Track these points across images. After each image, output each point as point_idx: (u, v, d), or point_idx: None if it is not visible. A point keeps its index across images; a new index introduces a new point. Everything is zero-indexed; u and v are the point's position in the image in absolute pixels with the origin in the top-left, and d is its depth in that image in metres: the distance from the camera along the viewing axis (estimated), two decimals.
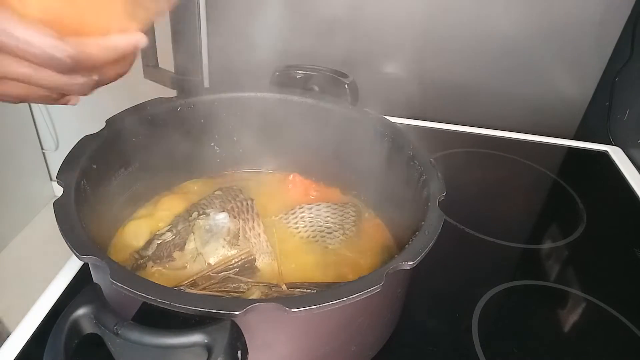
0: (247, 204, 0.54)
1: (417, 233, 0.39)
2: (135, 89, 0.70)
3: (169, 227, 0.51)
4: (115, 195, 0.51)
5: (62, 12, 0.30)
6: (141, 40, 0.34)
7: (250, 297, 0.42)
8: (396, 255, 0.37)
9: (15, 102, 0.32)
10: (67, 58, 0.29)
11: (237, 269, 0.47)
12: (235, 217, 0.51)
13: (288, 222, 0.54)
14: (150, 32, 0.67)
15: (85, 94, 0.34)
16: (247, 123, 0.58)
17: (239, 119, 0.58)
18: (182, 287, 0.44)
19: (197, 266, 0.47)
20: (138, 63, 0.54)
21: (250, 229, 0.51)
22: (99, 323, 0.31)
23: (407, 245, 0.38)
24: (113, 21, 0.32)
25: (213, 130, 0.59)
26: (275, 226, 0.54)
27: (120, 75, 0.35)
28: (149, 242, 0.49)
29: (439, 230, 0.39)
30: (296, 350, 0.39)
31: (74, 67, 0.30)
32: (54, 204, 0.39)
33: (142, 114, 0.52)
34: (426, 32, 0.88)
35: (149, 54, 0.78)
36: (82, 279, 0.51)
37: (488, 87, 0.92)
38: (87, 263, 0.36)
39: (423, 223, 0.40)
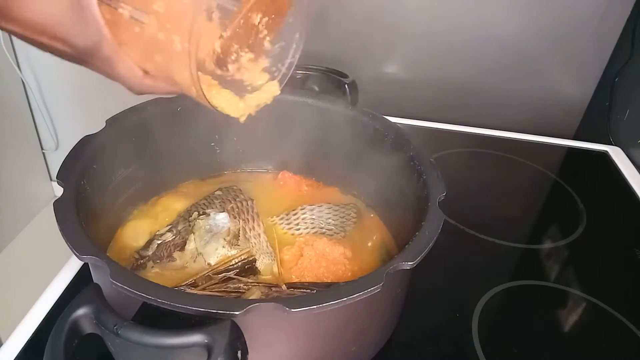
0: (247, 204, 0.54)
1: (417, 233, 0.39)
2: None
3: (169, 227, 0.51)
4: (115, 195, 0.51)
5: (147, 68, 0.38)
6: None
7: (250, 298, 0.42)
8: (396, 255, 0.37)
9: None
10: (139, 91, 0.39)
11: (237, 270, 0.47)
12: (235, 218, 0.51)
13: (289, 223, 0.54)
14: None
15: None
16: (247, 123, 0.58)
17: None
18: (182, 287, 0.44)
19: (197, 266, 0.47)
20: None
21: (250, 229, 0.51)
22: (99, 323, 0.31)
23: (407, 245, 0.38)
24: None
25: (213, 131, 0.59)
26: (277, 227, 0.54)
27: None
28: (149, 242, 0.49)
29: (439, 230, 0.39)
30: (296, 350, 0.38)
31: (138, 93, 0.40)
32: (54, 204, 0.39)
33: (142, 114, 0.52)
34: (426, 32, 0.88)
35: None
36: (82, 279, 0.51)
37: (488, 87, 0.92)
38: (87, 263, 0.36)
39: (423, 223, 0.40)
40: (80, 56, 0.35)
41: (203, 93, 0.36)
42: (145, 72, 0.38)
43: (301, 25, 0.42)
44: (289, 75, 0.44)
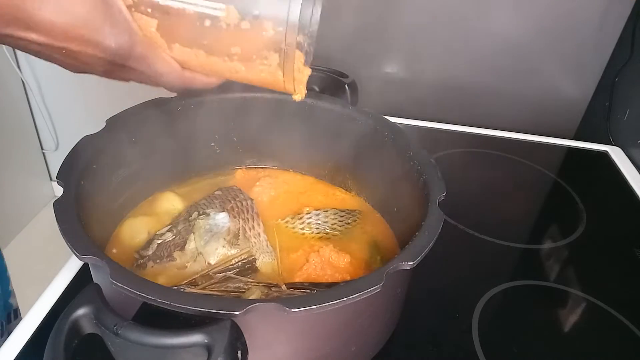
0: (247, 204, 0.54)
1: (417, 233, 0.39)
2: (135, 89, 0.70)
3: (169, 227, 0.51)
4: (115, 195, 0.51)
5: (192, 63, 0.38)
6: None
7: (250, 297, 0.42)
8: (396, 255, 0.38)
9: None
10: (179, 87, 0.39)
11: (237, 269, 0.47)
12: (235, 217, 0.51)
13: (294, 227, 0.54)
14: None
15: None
16: (247, 123, 0.58)
17: (239, 119, 0.58)
18: (182, 287, 0.44)
19: (197, 266, 0.47)
20: None
21: (250, 229, 0.51)
22: (99, 323, 0.31)
23: (407, 246, 0.38)
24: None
25: (213, 130, 0.59)
26: (281, 229, 0.54)
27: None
28: (149, 242, 0.49)
29: (439, 230, 0.39)
30: (296, 350, 0.39)
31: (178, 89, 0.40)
32: (54, 204, 0.39)
33: (142, 114, 0.52)
34: (426, 32, 0.89)
35: None
36: (82, 279, 0.51)
37: (488, 87, 0.92)
38: (87, 263, 0.36)
39: (423, 223, 0.40)
40: (115, 60, 0.34)
41: (293, 83, 0.36)
42: (183, 66, 0.37)
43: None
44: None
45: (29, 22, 0.30)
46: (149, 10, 0.34)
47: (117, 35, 0.33)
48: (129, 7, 0.34)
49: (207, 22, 0.34)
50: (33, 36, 0.31)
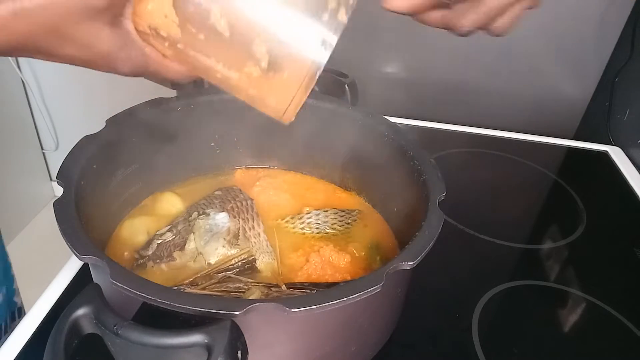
0: (247, 204, 0.54)
1: (417, 233, 0.39)
2: (135, 89, 0.70)
3: (169, 227, 0.51)
4: (115, 195, 0.51)
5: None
6: None
7: (250, 297, 0.42)
8: (396, 255, 0.38)
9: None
10: (188, 82, 0.40)
11: (237, 269, 0.47)
12: (235, 217, 0.51)
13: (294, 227, 0.54)
14: None
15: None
16: (247, 123, 0.58)
17: (239, 119, 0.58)
18: (182, 287, 0.44)
19: (198, 266, 0.47)
20: None
21: (250, 229, 0.51)
22: (99, 323, 0.31)
23: (407, 246, 0.38)
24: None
25: (213, 131, 0.59)
26: (281, 229, 0.54)
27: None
28: (149, 242, 0.49)
29: (439, 231, 0.39)
30: (296, 350, 0.39)
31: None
32: (54, 204, 0.39)
33: (142, 114, 0.52)
34: (426, 32, 0.88)
35: None
36: (82, 279, 0.51)
37: (488, 87, 0.92)
38: (87, 263, 0.36)
39: (423, 223, 0.40)
40: (129, 76, 0.37)
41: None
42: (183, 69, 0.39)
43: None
44: None
45: (49, 55, 0.32)
46: (166, 44, 0.35)
47: (131, 63, 0.35)
48: (147, 35, 0.35)
49: (219, 75, 0.37)
50: (52, 60, 0.33)
